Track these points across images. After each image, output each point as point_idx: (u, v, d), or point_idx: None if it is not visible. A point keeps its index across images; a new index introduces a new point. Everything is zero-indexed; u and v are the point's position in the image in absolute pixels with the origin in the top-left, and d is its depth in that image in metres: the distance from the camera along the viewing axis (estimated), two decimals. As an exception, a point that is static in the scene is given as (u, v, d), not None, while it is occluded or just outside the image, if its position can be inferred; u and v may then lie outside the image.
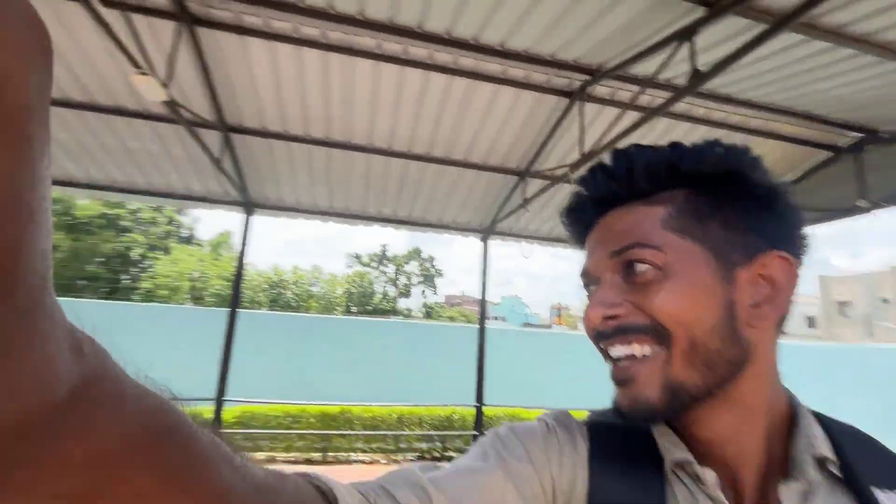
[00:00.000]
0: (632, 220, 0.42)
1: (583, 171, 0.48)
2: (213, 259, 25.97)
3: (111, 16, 2.66)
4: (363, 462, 6.25)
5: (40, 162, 0.15)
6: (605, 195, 0.45)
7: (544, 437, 0.44)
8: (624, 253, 0.41)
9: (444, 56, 3.30)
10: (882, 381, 6.96)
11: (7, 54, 0.14)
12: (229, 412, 5.97)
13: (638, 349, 0.40)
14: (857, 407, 6.77)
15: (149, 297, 21.29)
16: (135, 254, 23.02)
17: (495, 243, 5.86)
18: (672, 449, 0.42)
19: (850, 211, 4.22)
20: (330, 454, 6.33)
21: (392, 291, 33.88)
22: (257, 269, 30.30)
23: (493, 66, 3.49)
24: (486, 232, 5.59)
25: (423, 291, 35.01)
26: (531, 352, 9.52)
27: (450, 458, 4.56)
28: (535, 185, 4.66)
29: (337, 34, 3.13)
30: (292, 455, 6.24)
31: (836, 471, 0.39)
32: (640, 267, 0.40)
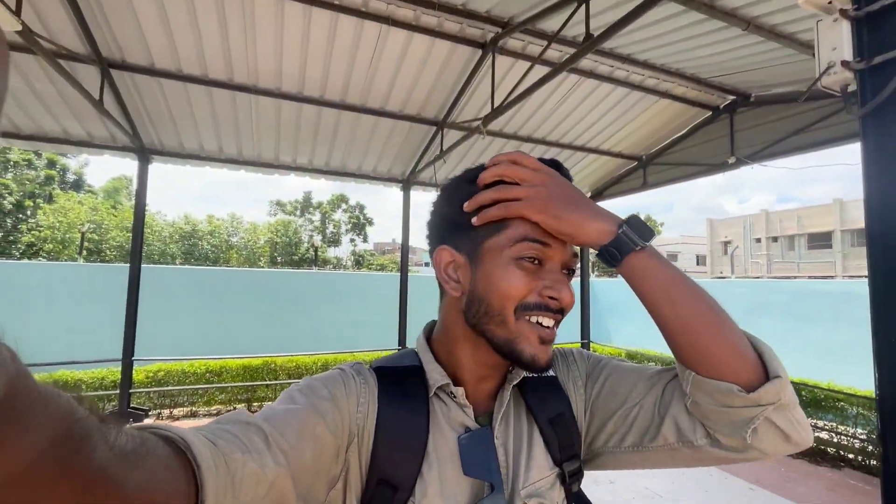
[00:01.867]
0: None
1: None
2: (110, 208, 23.12)
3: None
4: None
5: None
6: None
7: (343, 381, 0.58)
8: (574, 259, 0.61)
9: (351, -3, 3.22)
10: (741, 307, 8.22)
11: None
12: (141, 371, 5.65)
13: (556, 327, 0.59)
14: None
15: (32, 252, 19.67)
16: (8, 203, 20.84)
17: (419, 192, 6.33)
18: (437, 377, 0.61)
19: (721, 167, 5.12)
20: (255, 405, 6.04)
21: (319, 240, 31.73)
22: (167, 219, 27.39)
23: (405, 11, 3.51)
24: (407, 181, 6.05)
25: (353, 240, 33.42)
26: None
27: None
28: (452, 136, 4.97)
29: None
30: (214, 409, 5.97)
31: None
32: (572, 273, 0.61)
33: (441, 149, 5.04)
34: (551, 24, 3.45)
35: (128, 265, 5.02)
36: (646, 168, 6.23)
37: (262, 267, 28.60)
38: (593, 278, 10.53)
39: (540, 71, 3.54)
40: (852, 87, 1.62)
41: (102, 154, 5.04)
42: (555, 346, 0.71)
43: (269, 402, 0.51)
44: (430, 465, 0.58)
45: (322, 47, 3.87)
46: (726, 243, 31.97)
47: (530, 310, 0.58)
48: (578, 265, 0.64)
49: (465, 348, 0.63)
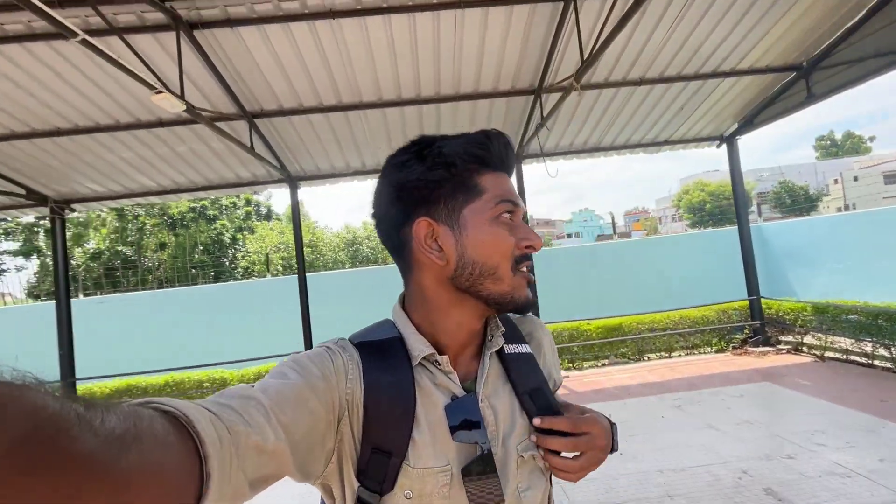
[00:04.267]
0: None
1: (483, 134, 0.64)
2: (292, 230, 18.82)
3: (114, 43, 3.29)
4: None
5: None
6: (512, 165, 0.67)
7: (331, 358, 0.60)
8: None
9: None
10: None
11: None
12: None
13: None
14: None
15: (249, 273, 24.55)
16: (226, 238, 25.96)
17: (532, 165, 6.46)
18: (422, 348, 0.63)
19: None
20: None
21: None
22: (333, 231, 31.32)
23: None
24: (518, 157, 5.84)
25: None
26: (603, 264, 9.32)
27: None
28: (552, 101, 4.70)
29: (315, 0, 3.51)
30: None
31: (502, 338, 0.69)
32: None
33: (541, 116, 4.85)
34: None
35: (312, 274, 6.25)
36: (809, 77, 4.96)
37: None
38: (760, 223, 8.77)
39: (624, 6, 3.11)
40: None
41: (266, 188, 6.25)
42: (525, 322, 0.78)
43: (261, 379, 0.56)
44: (421, 431, 0.60)
45: (407, 50, 4.11)
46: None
47: (520, 262, 0.63)
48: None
49: (450, 315, 0.65)
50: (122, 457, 0.28)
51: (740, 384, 4.91)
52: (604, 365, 6.48)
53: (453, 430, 0.59)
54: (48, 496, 0.23)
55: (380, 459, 0.58)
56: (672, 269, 9.63)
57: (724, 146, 6.50)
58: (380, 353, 0.63)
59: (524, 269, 0.63)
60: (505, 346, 0.69)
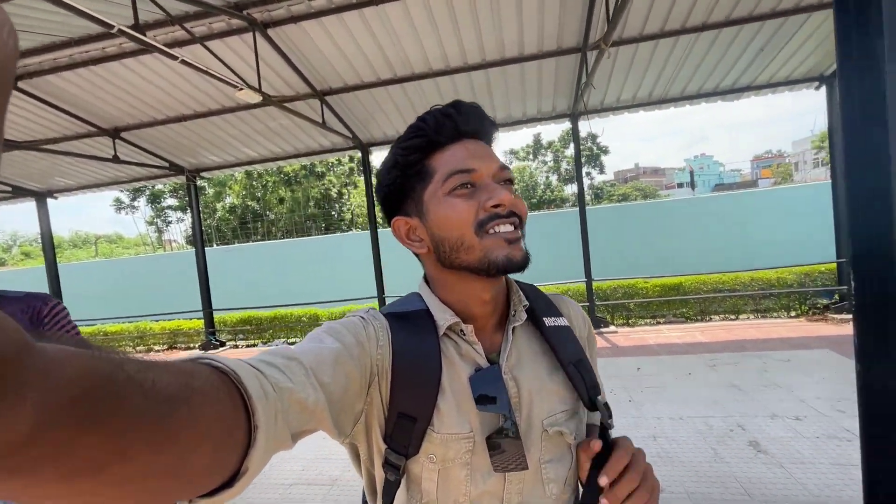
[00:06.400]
0: (493, 153, 0.66)
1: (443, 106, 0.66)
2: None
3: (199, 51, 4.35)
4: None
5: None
6: (476, 128, 0.66)
7: (364, 326, 0.62)
8: (506, 171, 0.65)
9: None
10: None
11: None
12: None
13: (519, 229, 0.64)
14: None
15: (351, 224, 27.97)
16: (333, 192, 29.03)
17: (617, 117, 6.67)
18: (447, 318, 0.65)
19: None
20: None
21: (555, 180, 35.66)
22: None
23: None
24: (573, 115, 6.31)
25: (588, 173, 34.41)
26: (716, 218, 9.28)
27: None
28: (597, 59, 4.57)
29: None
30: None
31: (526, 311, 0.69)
32: (511, 185, 0.66)
33: (585, 75, 4.86)
34: None
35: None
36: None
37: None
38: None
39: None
40: None
41: (345, 154, 7.16)
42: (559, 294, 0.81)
43: (298, 342, 0.65)
44: (446, 399, 0.62)
45: (447, 21, 4.42)
46: None
47: (485, 224, 0.62)
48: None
49: (456, 291, 0.67)
50: (170, 413, 0.29)
51: (794, 350, 4.70)
52: (658, 323, 6.47)
53: (477, 400, 0.60)
54: (98, 449, 0.24)
55: (405, 425, 0.60)
56: (761, 225, 8.79)
57: (824, 88, 5.69)
58: (408, 323, 0.66)
59: (497, 228, 0.62)
60: (545, 319, 0.70)
